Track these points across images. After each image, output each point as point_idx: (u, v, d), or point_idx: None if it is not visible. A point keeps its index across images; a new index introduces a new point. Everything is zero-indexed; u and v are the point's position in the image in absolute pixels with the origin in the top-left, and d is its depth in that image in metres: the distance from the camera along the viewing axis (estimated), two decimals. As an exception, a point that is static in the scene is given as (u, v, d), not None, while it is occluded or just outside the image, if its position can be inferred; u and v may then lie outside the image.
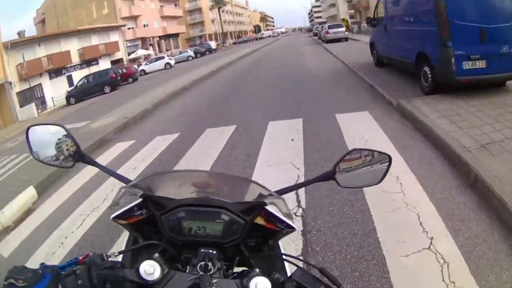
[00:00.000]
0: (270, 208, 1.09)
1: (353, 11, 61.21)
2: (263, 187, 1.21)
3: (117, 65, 38.02)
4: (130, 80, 27.65)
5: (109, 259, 0.90)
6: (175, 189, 1.27)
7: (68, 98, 26.10)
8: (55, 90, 30.42)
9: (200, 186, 1.31)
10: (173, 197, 1.11)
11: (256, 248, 1.15)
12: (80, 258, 0.89)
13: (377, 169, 1.23)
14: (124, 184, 1.19)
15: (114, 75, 25.04)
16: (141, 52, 41.90)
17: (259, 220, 1.10)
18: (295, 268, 0.93)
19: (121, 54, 41.40)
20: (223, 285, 0.86)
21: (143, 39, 46.22)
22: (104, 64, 37.92)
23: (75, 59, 35.44)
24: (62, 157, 1.29)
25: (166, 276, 0.86)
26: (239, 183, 1.53)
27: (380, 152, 1.23)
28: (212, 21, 73.38)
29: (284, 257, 1.12)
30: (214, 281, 0.85)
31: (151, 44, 48.33)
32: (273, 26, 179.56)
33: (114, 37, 40.82)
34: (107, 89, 24.78)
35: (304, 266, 1.00)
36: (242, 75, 15.83)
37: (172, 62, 34.77)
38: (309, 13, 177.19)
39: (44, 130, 1.31)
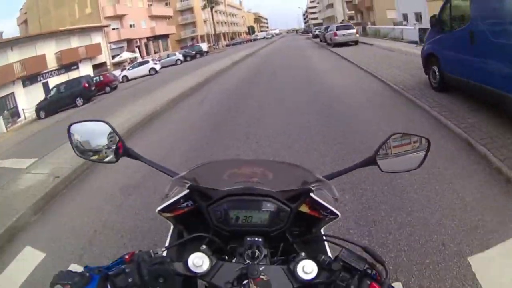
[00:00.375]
0: (314, 195, 1.11)
1: (353, 12, 58.12)
2: (310, 172, 1.21)
3: (97, 70, 34.75)
4: (108, 89, 24.17)
5: (156, 254, 0.90)
6: (221, 179, 1.25)
7: (38, 111, 22.59)
8: (30, 99, 26.69)
9: (246, 175, 1.29)
10: (219, 187, 1.10)
11: (300, 236, 1.16)
12: (126, 257, 0.89)
13: (416, 153, 1.26)
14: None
15: (87, 85, 21.51)
16: (126, 55, 38.34)
17: (304, 208, 1.11)
18: (339, 250, 0.92)
19: (104, 57, 37.94)
20: (270, 272, 0.87)
21: (129, 41, 42.64)
22: (85, 69, 34.50)
23: (52, 63, 31.89)
24: (106, 153, 1.29)
25: (214, 267, 0.88)
26: (285, 169, 1.51)
27: (419, 136, 1.26)
28: (205, 21, 69.98)
29: (327, 238, 1.12)
30: (261, 268, 0.86)
31: (138, 46, 44.81)
32: (267, 27, 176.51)
33: (96, 38, 37.35)
34: (79, 101, 21.36)
35: (347, 245, 0.96)
36: (236, 97, 10.91)
37: (158, 67, 31.28)
38: (304, 15, 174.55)
39: (86, 126, 1.31)
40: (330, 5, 74.87)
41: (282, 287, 0.86)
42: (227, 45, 73.35)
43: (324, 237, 1.14)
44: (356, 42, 22.82)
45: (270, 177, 1.33)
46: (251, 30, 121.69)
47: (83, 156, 1.30)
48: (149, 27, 47.81)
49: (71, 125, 1.28)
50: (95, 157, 1.30)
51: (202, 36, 68.58)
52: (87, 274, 0.83)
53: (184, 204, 1.15)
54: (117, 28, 41.47)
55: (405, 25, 26.94)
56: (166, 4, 57.48)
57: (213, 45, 62.30)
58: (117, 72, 31.48)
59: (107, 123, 1.26)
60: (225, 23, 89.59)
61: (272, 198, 1.05)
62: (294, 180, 1.22)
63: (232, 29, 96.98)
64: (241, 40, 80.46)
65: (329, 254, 1.08)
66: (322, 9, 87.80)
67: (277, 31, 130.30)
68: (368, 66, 12.18)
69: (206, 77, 16.79)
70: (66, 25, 37.45)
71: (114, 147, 1.28)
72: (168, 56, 39.04)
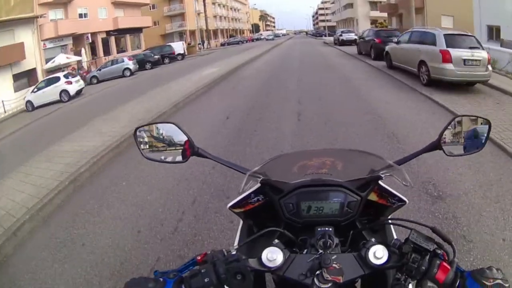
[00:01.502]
0: (383, 183, 1.13)
1: (382, 14, 45.58)
2: (380, 157, 1.29)
3: (19, 82, 22.90)
4: None
5: (229, 253, 0.90)
6: (292, 172, 1.26)
7: None
8: None
9: (315, 167, 1.30)
10: (290, 180, 1.10)
11: (368, 224, 1.18)
12: (198, 258, 0.91)
13: (478, 135, 1.28)
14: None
15: None
16: (60, 59, 25.89)
17: (372, 196, 1.13)
18: (405, 235, 0.91)
19: (33, 62, 25.66)
20: (343, 260, 0.88)
21: (77, 37, 30.31)
22: (1, 82, 22.63)
23: None
24: (175, 154, 1.30)
25: (287, 260, 0.89)
26: (354, 157, 1.55)
27: (480, 118, 1.29)
28: (199, 14, 57.55)
29: (395, 222, 1.13)
30: (333, 257, 0.87)
31: (91, 43, 32.47)
32: (274, 26, 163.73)
33: (23, 35, 25.11)
34: None
35: (415, 227, 0.93)
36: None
37: (74, 88, 18.83)
38: (313, 16, 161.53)
39: (153, 129, 1.33)
40: (349, 5, 62.58)
41: (354, 274, 0.87)
42: (222, 45, 60.88)
43: (391, 221, 1.15)
44: (473, 84, 9.72)
45: (339, 167, 1.33)
46: (255, 28, 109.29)
47: (151, 158, 1.30)
48: (111, 17, 35.37)
49: (137, 128, 1.31)
50: (163, 158, 1.30)
51: (193, 32, 56.41)
52: (161, 279, 0.83)
53: (255, 199, 1.16)
54: (59, 19, 29.08)
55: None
56: (148, -10, 45.12)
57: (199, 44, 48.84)
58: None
59: (175, 124, 1.28)
60: (225, 18, 77.08)
61: (343, 188, 1.06)
62: (363, 168, 1.23)
63: (233, 26, 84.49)
64: (240, 39, 66.81)
65: (394, 235, 1.11)
66: (338, 9, 75.37)
67: (284, 32, 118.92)
68: None
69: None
70: (2, 16, 25.34)
71: (183, 147, 1.29)
72: (112, 63, 26.03)
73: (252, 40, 69.88)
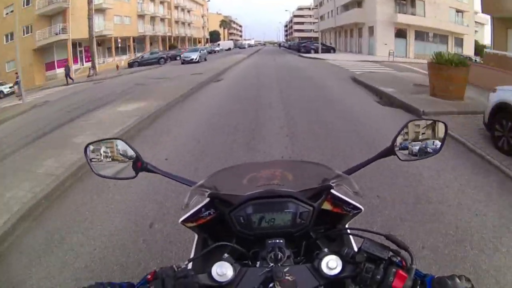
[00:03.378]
0: (336, 191, 1.10)
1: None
2: (329, 168, 1.24)
3: None
4: None
5: (179, 269, 0.88)
6: (241, 184, 1.23)
7: None
8: None
9: (265, 178, 1.26)
10: (240, 193, 1.08)
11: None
12: (148, 276, 0.87)
13: (434, 138, 1.25)
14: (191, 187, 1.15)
15: None
16: None
17: (326, 205, 1.11)
18: (362, 241, 0.89)
19: None
20: (295, 272, 0.86)
21: None
22: None
23: None
24: (124, 169, 1.28)
25: (238, 274, 0.87)
26: (304, 168, 1.52)
27: (435, 120, 1.26)
28: (99, 10, 32.97)
29: (346, 231, 1.13)
30: (285, 269, 0.85)
31: None
32: (240, 36, 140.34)
33: None
34: None
35: (369, 236, 0.93)
36: None
37: None
38: (286, 26, 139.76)
39: (102, 145, 1.31)
40: (355, 4, 39.79)
41: (308, 286, 0.85)
42: (130, 65, 34.35)
43: (343, 231, 1.13)
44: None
45: (290, 178, 1.31)
46: (213, 37, 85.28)
47: (101, 175, 1.27)
48: None
49: (87, 145, 1.28)
50: (113, 175, 1.28)
51: (91, 40, 31.82)
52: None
53: (206, 213, 1.12)
54: None
55: None
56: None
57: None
58: None
59: (123, 140, 1.28)
60: (163, 20, 52.49)
61: (294, 199, 1.03)
62: (313, 178, 1.20)
63: (178, 31, 59.82)
64: (161, 54, 37.47)
65: (355, 247, 1.05)
66: (328, 13, 52.97)
67: (252, 42, 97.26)
68: None
69: None
70: None
71: (132, 163, 1.26)
72: None
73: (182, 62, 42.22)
